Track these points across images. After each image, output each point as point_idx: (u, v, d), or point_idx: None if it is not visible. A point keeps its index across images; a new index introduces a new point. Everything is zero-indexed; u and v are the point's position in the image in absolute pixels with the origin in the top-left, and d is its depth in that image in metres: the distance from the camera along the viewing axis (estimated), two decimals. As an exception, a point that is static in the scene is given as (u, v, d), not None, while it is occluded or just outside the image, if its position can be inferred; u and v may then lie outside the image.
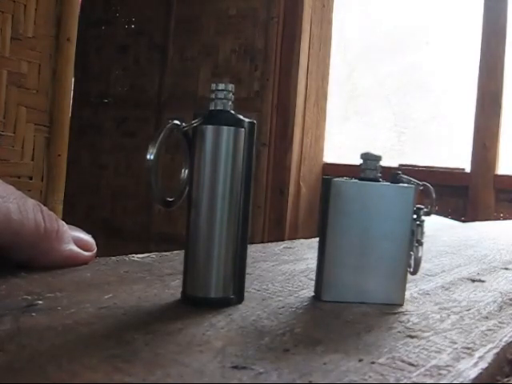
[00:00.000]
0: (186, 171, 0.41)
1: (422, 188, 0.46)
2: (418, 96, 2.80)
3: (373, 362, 0.31)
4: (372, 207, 0.45)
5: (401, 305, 0.44)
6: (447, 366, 0.31)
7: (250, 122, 0.42)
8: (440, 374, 0.30)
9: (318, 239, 0.46)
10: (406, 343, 0.35)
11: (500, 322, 0.41)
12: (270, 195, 2.62)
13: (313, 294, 0.46)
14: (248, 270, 0.46)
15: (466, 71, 2.49)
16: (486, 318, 0.42)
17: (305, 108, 2.63)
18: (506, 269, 0.66)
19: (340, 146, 2.94)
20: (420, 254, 0.44)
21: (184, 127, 0.41)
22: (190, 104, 2.75)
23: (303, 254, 0.66)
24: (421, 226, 0.45)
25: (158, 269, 0.52)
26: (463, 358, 0.32)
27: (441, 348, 0.34)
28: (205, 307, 0.39)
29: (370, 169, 0.46)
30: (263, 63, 2.65)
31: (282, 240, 0.80)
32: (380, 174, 0.46)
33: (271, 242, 0.77)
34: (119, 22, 3.10)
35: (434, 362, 0.31)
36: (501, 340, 0.36)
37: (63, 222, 0.48)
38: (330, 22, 2.70)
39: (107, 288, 0.43)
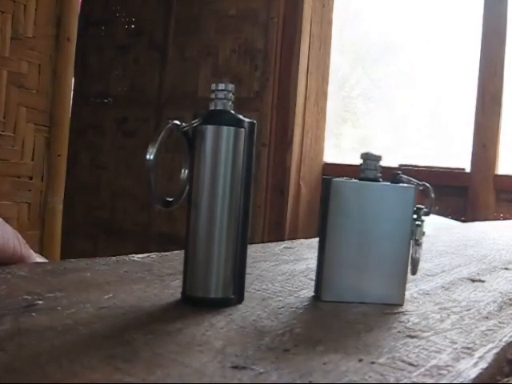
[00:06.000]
0: (186, 171, 0.41)
1: (421, 188, 0.46)
2: (417, 96, 2.79)
3: (373, 362, 0.31)
4: (372, 207, 0.45)
5: (401, 305, 0.44)
6: (447, 366, 0.31)
7: (249, 122, 0.42)
8: (440, 374, 0.30)
9: (317, 239, 0.46)
10: (405, 343, 0.35)
11: (500, 322, 0.41)
12: (270, 195, 2.62)
13: (313, 293, 0.46)
14: (248, 270, 0.46)
15: (466, 71, 2.49)
16: (486, 317, 0.42)
17: (305, 108, 2.63)
18: (506, 269, 0.66)
19: (339, 146, 2.94)
20: (418, 255, 0.44)
21: (184, 127, 0.41)
22: (190, 104, 2.75)
23: (303, 254, 0.66)
24: (420, 226, 0.45)
25: (158, 269, 0.52)
26: (463, 358, 0.32)
27: (441, 348, 0.34)
28: (205, 307, 0.39)
29: (369, 169, 0.46)
30: (263, 63, 2.64)
31: (282, 240, 0.80)
32: (380, 174, 0.46)
33: (271, 242, 0.77)
34: (119, 22, 3.10)
35: (433, 362, 0.31)
36: (501, 340, 0.36)
37: (32, 251, 0.54)
38: (330, 22, 2.70)
39: (107, 288, 0.43)
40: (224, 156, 0.40)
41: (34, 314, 0.35)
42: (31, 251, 0.54)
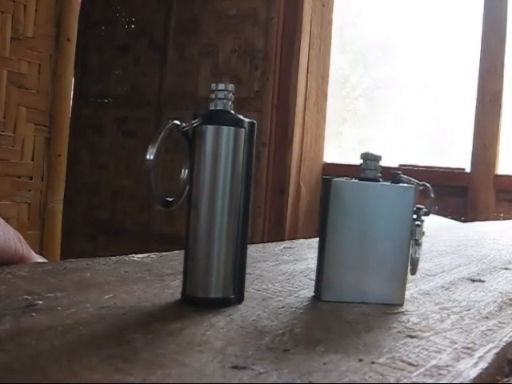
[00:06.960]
0: (186, 171, 0.41)
1: (421, 188, 0.46)
2: (417, 96, 2.79)
3: (373, 362, 0.31)
4: (372, 207, 0.45)
5: (401, 305, 0.44)
6: (447, 366, 0.31)
7: (250, 122, 0.42)
8: (440, 374, 0.30)
9: (318, 239, 0.46)
10: (405, 343, 0.35)
11: (500, 322, 0.41)
12: (270, 195, 2.62)
13: (313, 293, 0.46)
14: (248, 270, 0.46)
15: (466, 71, 2.49)
16: (486, 318, 0.42)
17: (305, 108, 2.63)
18: (506, 269, 0.66)
19: (339, 146, 2.94)
20: (417, 255, 0.44)
21: (184, 127, 0.41)
22: (190, 104, 2.75)
23: (303, 254, 0.66)
24: (419, 226, 0.45)
25: (157, 269, 0.52)
26: (463, 358, 0.32)
27: (441, 348, 0.34)
28: (205, 307, 0.39)
29: (369, 169, 0.45)
30: (263, 63, 2.64)
31: (282, 240, 0.80)
32: (380, 174, 0.46)
33: (271, 242, 0.77)
34: (119, 22, 3.10)
35: (433, 362, 0.31)
36: (501, 340, 0.36)
37: (33, 252, 0.54)
38: (330, 22, 2.70)
39: (107, 288, 0.43)
40: (224, 156, 0.40)
41: (34, 314, 0.35)
42: (32, 252, 0.54)
